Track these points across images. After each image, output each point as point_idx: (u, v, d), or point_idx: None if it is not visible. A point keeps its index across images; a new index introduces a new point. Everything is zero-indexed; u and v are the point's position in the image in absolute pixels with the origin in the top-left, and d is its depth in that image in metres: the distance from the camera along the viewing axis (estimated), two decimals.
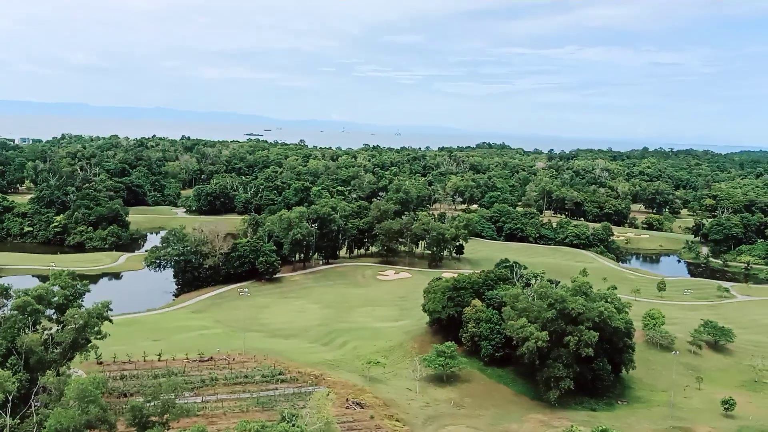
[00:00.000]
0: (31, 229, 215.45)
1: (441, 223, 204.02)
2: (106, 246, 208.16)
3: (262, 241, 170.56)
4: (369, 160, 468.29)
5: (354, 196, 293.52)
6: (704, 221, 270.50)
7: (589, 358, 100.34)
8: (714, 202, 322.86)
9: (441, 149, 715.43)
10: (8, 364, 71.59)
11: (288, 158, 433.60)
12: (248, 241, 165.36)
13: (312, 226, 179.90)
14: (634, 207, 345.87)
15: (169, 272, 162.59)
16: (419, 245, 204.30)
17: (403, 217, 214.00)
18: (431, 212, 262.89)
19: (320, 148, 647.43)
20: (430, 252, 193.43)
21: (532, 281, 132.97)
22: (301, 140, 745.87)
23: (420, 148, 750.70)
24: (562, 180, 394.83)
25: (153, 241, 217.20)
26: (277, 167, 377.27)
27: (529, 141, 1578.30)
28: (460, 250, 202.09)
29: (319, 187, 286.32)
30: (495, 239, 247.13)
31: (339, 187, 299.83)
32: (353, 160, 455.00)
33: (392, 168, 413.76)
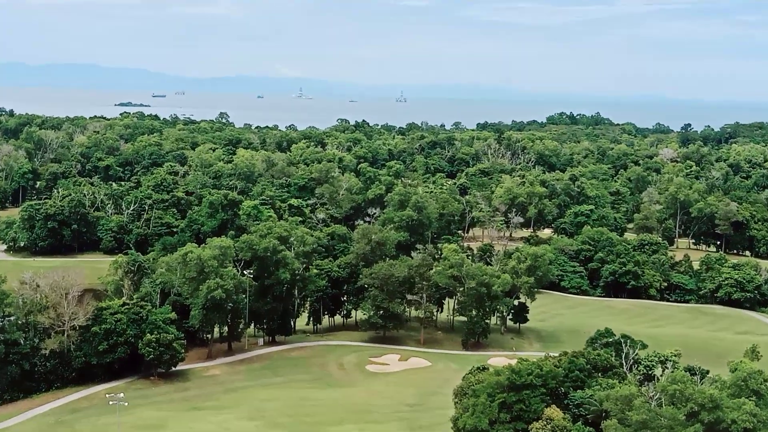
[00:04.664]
0: None
1: (485, 265, 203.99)
2: None
3: (151, 304, 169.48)
4: (349, 149, 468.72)
5: (322, 216, 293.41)
6: None
7: None
8: None
9: (481, 127, 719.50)
10: None
11: (198, 148, 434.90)
12: (125, 305, 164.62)
13: (244, 275, 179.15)
14: None
15: None
16: (444, 306, 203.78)
17: (414, 253, 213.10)
18: (466, 244, 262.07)
19: (257, 127, 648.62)
20: (465, 319, 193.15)
21: (657, 371, 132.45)
22: (221, 114, 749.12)
23: (442, 126, 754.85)
24: (709, 181, 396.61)
25: None
26: (176, 165, 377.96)
27: (643, 110, 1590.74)
28: (520, 314, 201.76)
29: (257, 201, 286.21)
30: (586, 293, 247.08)
31: (294, 200, 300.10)
32: (319, 149, 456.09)
33: (392, 163, 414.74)
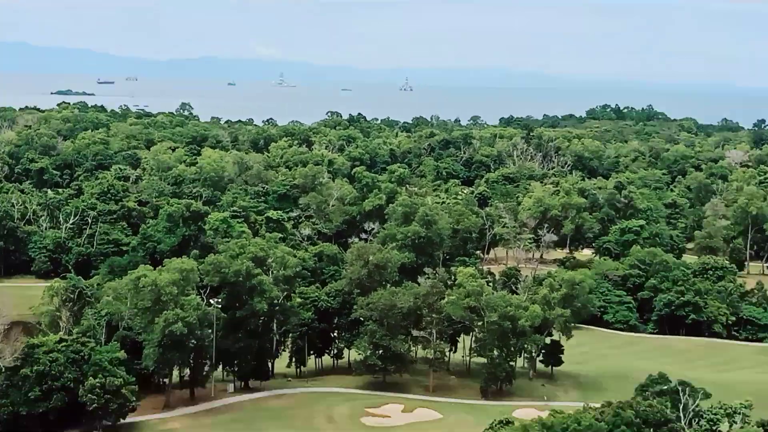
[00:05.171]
0: None
1: (509, 294, 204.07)
2: None
3: (95, 341, 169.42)
4: (341, 150, 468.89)
5: (307, 232, 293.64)
6: None
7: None
8: None
9: (506, 123, 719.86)
10: None
11: (154, 147, 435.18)
12: (62, 341, 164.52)
13: (211, 304, 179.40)
14: None
15: None
16: (458, 345, 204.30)
17: (421, 279, 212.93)
18: (486, 267, 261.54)
19: (228, 122, 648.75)
20: (485, 360, 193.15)
21: (723, 426, 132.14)
22: (182, 105, 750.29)
23: (457, 121, 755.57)
24: None
25: None
26: (127, 168, 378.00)
27: (707, 101, 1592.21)
28: (553, 354, 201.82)
29: (227, 213, 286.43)
30: (635, 329, 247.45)
31: (272, 212, 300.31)
32: (304, 149, 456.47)
33: (395, 167, 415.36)
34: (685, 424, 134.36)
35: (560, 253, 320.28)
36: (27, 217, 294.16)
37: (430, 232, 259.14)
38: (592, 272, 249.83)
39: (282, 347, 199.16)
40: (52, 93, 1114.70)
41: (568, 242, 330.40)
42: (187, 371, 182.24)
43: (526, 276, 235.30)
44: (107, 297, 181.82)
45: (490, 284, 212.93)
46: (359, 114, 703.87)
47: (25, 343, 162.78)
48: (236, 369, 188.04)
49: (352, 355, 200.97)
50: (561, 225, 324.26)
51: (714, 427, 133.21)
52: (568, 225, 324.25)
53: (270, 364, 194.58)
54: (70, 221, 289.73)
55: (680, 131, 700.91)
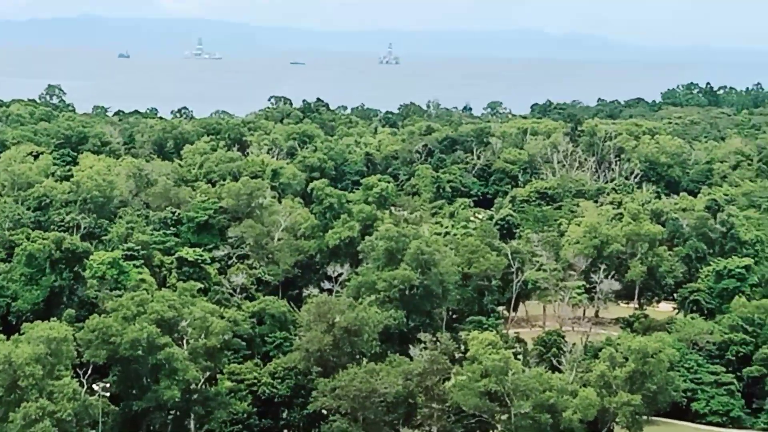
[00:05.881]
0: None
1: (547, 371, 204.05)
2: None
3: None
4: (292, 155, 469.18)
5: (241, 280, 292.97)
6: None
7: None
8: None
9: (541, 111, 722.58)
10: None
11: (6, 152, 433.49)
12: None
13: (95, 390, 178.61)
14: None
15: None
16: None
17: (415, 350, 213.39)
18: (513, 331, 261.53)
19: (119, 114, 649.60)
20: None
21: None
22: (50, 88, 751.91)
23: (467, 110, 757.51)
24: None
25: None
26: None
27: None
28: None
29: (118, 252, 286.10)
30: (739, 424, 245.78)
31: (188, 251, 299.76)
32: (236, 155, 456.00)
33: (373, 179, 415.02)
34: None
35: (625, 310, 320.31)
36: None
37: (428, 278, 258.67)
38: (674, 338, 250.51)
39: None
40: None
41: (636, 293, 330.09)
42: None
43: (574, 344, 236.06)
44: None
45: (520, 357, 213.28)
46: (318, 100, 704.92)
47: None
48: None
49: None
50: (626, 267, 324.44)
51: None
52: (637, 267, 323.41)
53: None
54: None
55: None
